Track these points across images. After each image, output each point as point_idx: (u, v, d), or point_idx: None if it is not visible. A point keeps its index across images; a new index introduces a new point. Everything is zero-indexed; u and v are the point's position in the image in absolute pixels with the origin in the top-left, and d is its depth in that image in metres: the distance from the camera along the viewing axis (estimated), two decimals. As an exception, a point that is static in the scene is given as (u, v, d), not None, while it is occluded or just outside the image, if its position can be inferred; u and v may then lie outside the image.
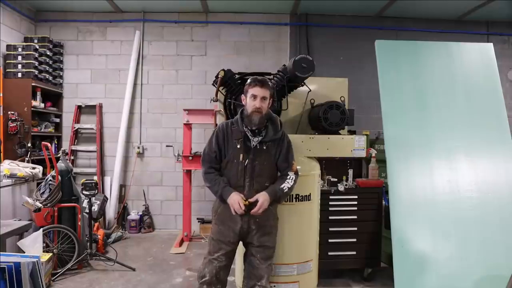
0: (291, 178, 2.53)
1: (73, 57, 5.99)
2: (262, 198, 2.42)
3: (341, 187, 3.79)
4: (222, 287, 2.54)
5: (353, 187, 3.86)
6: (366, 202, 3.81)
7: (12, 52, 5.18)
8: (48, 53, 5.51)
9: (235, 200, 2.38)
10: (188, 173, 5.29)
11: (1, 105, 4.68)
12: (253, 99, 2.45)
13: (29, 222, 3.61)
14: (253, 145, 2.50)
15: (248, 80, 2.55)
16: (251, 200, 2.41)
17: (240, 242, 2.60)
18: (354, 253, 3.77)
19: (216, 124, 3.43)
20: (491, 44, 4.00)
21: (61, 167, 4.08)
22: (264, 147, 2.50)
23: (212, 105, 4.10)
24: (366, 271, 3.87)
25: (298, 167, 2.64)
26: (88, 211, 4.22)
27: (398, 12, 5.89)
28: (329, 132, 3.23)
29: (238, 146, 2.48)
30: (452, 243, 3.26)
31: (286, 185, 2.50)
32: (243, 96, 2.59)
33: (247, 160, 2.46)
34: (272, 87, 3.17)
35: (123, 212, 5.87)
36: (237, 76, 3.14)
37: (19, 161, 4.61)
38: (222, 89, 3.18)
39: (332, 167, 3.93)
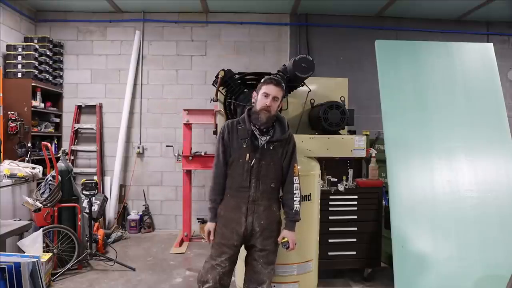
0: (297, 188, 2.50)
1: (73, 57, 5.99)
2: (291, 238, 2.46)
3: (341, 187, 3.78)
4: None
5: (353, 187, 3.86)
6: (366, 202, 3.80)
7: (12, 52, 5.18)
8: (48, 53, 5.51)
9: (206, 231, 2.51)
10: (188, 173, 5.29)
11: (1, 105, 4.68)
12: (265, 97, 2.40)
13: (29, 222, 3.60)
14: (261, 144, 2.45)
15: (264, 78, 2.50)
16: (282, 240, 2.48)
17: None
18: (354, 253, 3.77)
19: (216, 124, 3.43)
20: (491, 44, 4.01)
21: (61, 167, 4.08)
22: (271, 147, 2.46)
23: (212, 105, 4.10)
24: (366, 271, 3.87)
25: (298, 167, 2.63)
26: (88, 211, 4.22)
27: (398, 12, 5.89)
28: (329, 132, 3.23)
29: (244, 146, 2.43)
30: (452, 243, 3.27)
31: (296, 204, 2.48)
32: (254, 93, 2.52)
33: (253, 160, 2.42)
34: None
35: (123, 212, 5.87)
36: (237, 76, 3.14)
37: (19, 161, 4.61)
38: (222, 89, 3.18)
39: (332, 167, 3.93)
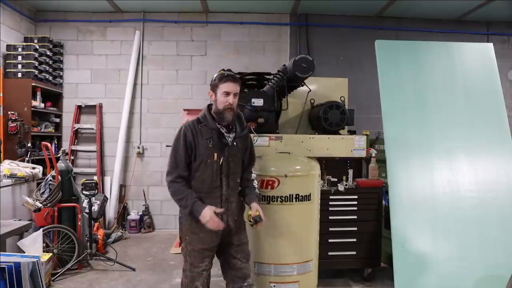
0: (254, 177, 2.63)
1: (73, 57, 5.99)
2: (259, 207, 2.49)
3: (341, 187, 3.78)
4: None
5: (353, 187, 3.85)
6: (366, 202, 3.80)
7: (12, 52, 5.18)
8: (48, 53, 5.51)
9: (211, 216, 2.25)
10: (188, 173, 5.29)
11: (1, 105, 4.68)
12: (226, 95, 2.32)
13: (29, 222, 3.60)
14: (230, 141, 2.40)
15: (217, 75, 2.41)
16: (254, 214, 2.44)
17: None
18: (354, 253, 3.76)
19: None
20: (491, 44, 4.01)
21: (61, 167, 4.08)
22: (235, 143, 2.44)
23: (212, 105, 4.10)
24: (366, 271, 3.87)
25: (298, 167, 2.64)
26: (88, 211, 4.22)
27: (398, 12, 5.89)
28: (329, 132, 3.24)
29: (211, 145, 2.34)
30: (452, 243, 3.27)
31: (256, 186, 2.63)
32: (210, 92, 2.42)
33: (222, 158, 2.37)
34: (272, 87, 3.19)
35: (123, 212, 5.87)
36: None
37: (19, 161, 4.61)
38: (222, 89, 3.17)
39: (332, 167, 3.92)
